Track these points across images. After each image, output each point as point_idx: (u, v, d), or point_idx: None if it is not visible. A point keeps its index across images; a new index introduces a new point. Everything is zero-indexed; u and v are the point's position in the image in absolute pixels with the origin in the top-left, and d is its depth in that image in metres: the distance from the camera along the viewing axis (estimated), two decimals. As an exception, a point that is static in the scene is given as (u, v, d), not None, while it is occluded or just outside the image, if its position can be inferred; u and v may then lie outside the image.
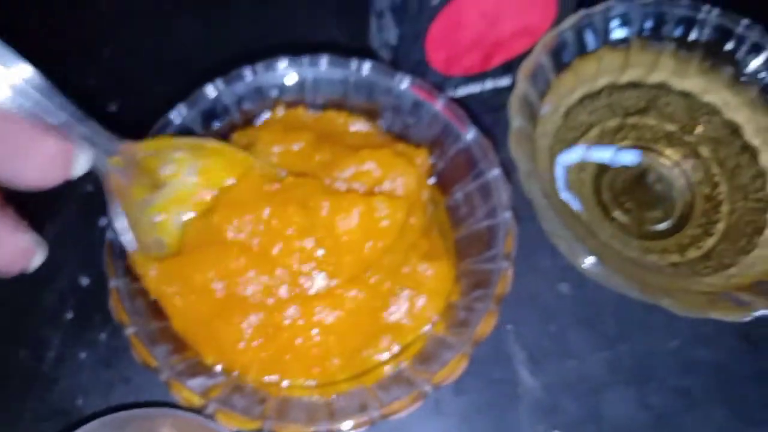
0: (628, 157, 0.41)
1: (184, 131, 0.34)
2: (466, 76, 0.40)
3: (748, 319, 0.32)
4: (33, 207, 0.39)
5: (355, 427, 0.28)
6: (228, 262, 0.30)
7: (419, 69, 0.38)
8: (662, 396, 0.36)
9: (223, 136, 0.36)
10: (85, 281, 0.37)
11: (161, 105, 0.34)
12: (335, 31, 0.46)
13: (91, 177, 0.40)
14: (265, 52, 0.36)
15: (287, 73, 0.36)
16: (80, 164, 0.26)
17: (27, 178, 0.24)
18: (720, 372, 0.37)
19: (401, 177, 0.33)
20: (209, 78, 0.35)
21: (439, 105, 0.35)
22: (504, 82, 0.41)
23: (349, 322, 0.31)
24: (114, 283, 0.30)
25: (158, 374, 0.28)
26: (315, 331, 0.31)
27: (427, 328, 0.33)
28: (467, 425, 0.36)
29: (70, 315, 0.37)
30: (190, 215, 0.32)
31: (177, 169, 0.31)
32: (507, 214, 0.32)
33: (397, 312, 0.32)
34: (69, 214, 0.39)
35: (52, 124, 0.25)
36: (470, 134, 0.34)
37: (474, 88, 0.41)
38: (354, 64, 0.35)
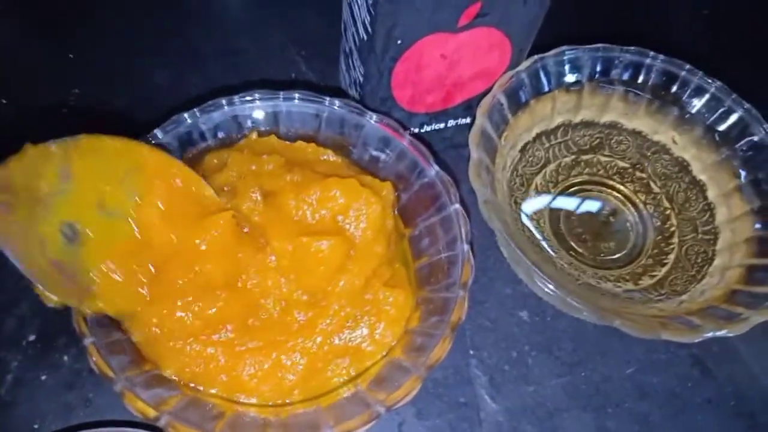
0: (587, 205, 0.43)
1: None
2: (430, 113, 0.42)
3: (698, 340, 0.34)
4: None
5: None
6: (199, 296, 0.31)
7: (385, 105, 0.40)
8: (619, 421, 0.37)
9: (198, 159, 0.37)
10: (49, 304, 0.38)
11: (133, 135, 0.36)
12: (308, 72, 0.49)
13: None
14: (239, 90, 0.38)
15: (262, 105, 0.37)
16: None
17: None
18: (673, 399, 0.38)
19: (365, 206, 0.35)
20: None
21: (405, 141, 0.37)
22: (465, 120, 0.44)
23: (309, 348, 0.32)
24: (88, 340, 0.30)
25: (113, 384, 0.28)
26: (275, 354, 0.32)
27: (384, 352, 0.33)
28: (429, 450, 0.36)
29: (32, 337, 0.37)
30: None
31: (50, 179, 0.28)
32: (465, 246, 0.33)
33: (358, 337, 0.33)
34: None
35: None
36: (433, 170, 0.36)
37: (437, 126, 0.43)
38: (326, 99, 0.37)
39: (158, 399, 0.28)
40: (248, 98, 0.37)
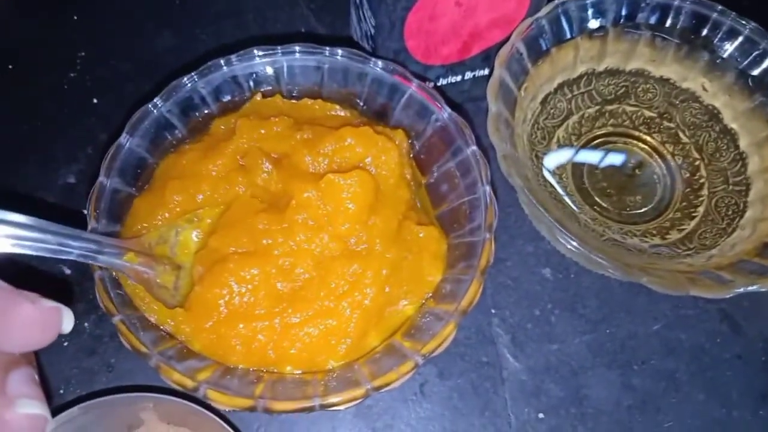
0: (612, 157, 0.42)
1: (163, 122, 0.35)
2: (446, 65, 0.40)
3: (729, 296, 0.32)
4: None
5: (347, 401, 0.28)
6: (235, 272, 0.30)
7: (399, 58, 0.39)
8: (645, 378, 0.36)
9: (203, 126, 0.36)
10: (67, 271, 0.38)
11: (140, 98, 0.35)
12: (318, 26, 0.47)
13: (73, 169, 0.41)
14: (247, 48, 0.36)
15: (262, 62, 0.36)
16: (67, 322, 0.26)
17: (11, 344, 0.23)
18: (701, 355, 0.37)
19: (383, 153, 0.33)
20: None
21: (413, 86, 0.35)
22: (483, 72, 0.42)
23: (361, 302, 0.31)
24: (99, 273, 0.30)
25: (147, 360, 0.28)
26: (324, 321, 0.31)
27: (432, 287, 0.32)
28: (452, 409, 0.35)
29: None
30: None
31: (182, 245, 0.33)
32: (486, 188, 0.32)
33: (405, 281, 0.32)
34: (51, 204, 0.40)
35: (59, 258, 0.27)
36: (446, 113, 0.34)
37: (454, 78, 0.42)
38: (327, 50, 0.36)
39: (193, 370, 0.28)
40: (246, 56, 0.36)
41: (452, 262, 0.33)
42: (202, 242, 0.33)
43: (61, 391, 0.35)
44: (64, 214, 0.39)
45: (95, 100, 0.44)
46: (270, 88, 0.37)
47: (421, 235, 0.33)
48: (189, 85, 0.35)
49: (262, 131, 0.34)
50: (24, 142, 0.42)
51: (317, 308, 0.31)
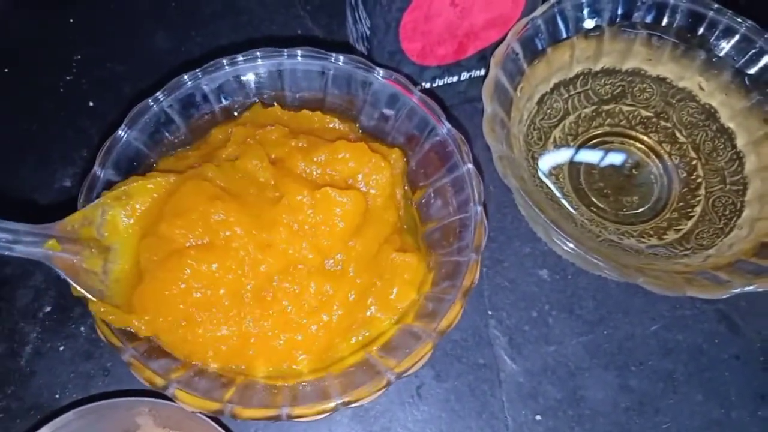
0: (609, 157, 0.41)
1: (163, 118, 0.34)
2: (442, 66, 0.40)
3: (726, 296, 0.32)
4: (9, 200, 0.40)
5: (315, 413, 0.27)
6: (191, 269, 0.29)
7: (395, 59, 0.39)
8: (642, 379, 0.36)
9: (203, 130, 0.36)
10: (62, 275, 0.38)
11: (137, 100, 0.35)
12: (314, 28, 0.47)
13: (69, 172, 0.41)
14: (243, 50, 0.36)
15: (265, 63, 0.36)
16: None
17: None
18: (699, 355, 0.37)
19: (375, 172, 0.33)
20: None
21: (415, 98, 0.35)
22: (480, 72, 0.42)
23: (327, 322, 0.31)
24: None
25: (121, 354, 0.28)
26: (288, 334, 0.31)
27: (396, 317, 0.32)
28: (449, 411, 0.35)
29: (48, 309, 0.37)
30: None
31: (109, 225, 0.31)
32: (478, 208, 0.32)
33: (373, 305, 0.32)
34: (46, 207, 0.40)
35: None
36: (445, 128, 0.34)
37: (450, 79, 0.42)
38: (332, 56, 0.35)
39: (165, 368, 0.28)
40: (250, 57, 0.35)
41: (437, 280, 0.32)
42: (141, 224, 0.31)
43: (57, 396, 0.35)
44: (60, 217, 0.39)
45: (91, 103, 0.43)
46: (273, 92, 0.37)
47: (399, 261, 0.32)
48: (191, 82, 0.35)
49: (257, 137, 0.34)
50: (20, 144, 0.42)
51: (284, 320, 0.30)
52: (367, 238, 0.32)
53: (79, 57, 0.45)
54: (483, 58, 0.41)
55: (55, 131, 0.43)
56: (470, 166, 0.33)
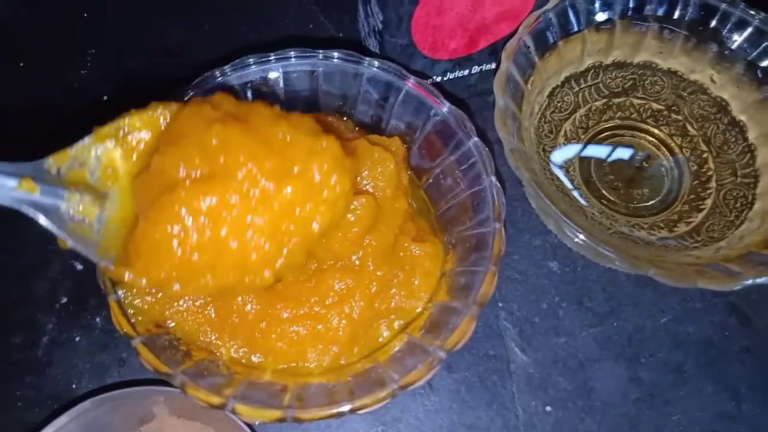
0: (619, 150, 0.41)
1: None
2: (453, 60, 0.40)
3: (737, 288, 0.32)
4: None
5: (375, 402, 0.28)
6: (186, 204, 0.25)
7: (406, 53, 0.39)
8: (652, 371, 0.36)
9: None
10: (79, 266, 0.38)
11: (150, 94, 0.35)
12: (326, 23, 0.47)
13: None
14: (253, 49, 0.36)
15: (257, 70, 0.35)
16: None
17: None
18: (709, 347, 0.37)
19: (378, 164, 0.33)
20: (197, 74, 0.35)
21: (410, 82, 0.35)
22: (491, 66, 0.42)
23: (350, 314, 0.31)
24: (113, 297, 0.29)
25: (171, 380, 0.27)
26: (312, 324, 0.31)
27: (423, 305, 0.33)
28: (460, 402, 0.36)
29: (64, 300, 0.37)
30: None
31: (105, 168, 0.27)
32: (492, 178, 0.32)
33: (396, 296, 0.33)
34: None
35: None
36: (445, 107, 0.34)
37: (461, 73, 0.42)
38: (321, 53, 0.35)
39: (217, 385, 0.28)
40: (241, 65, 0.35)
41: (463, 254, 0.33)
42: (138, 162, 0.27)
43: (74, 386, 0.35)
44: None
45: (105, 97, 0.44)
46: (266, 99, 0.36)
47: (416, 252, 0.33)
48: (185, 98, 0.34)
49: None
50: (35, 139, 0.42)
51: (306, 310, 0.31)
52: (382, 232, 0.33)
53: (93, 51, 0.46)
54: (494, 52, 0.41)
55: (69, 125, 0.43)
56: (476, 139, 0.33)
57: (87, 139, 0.27)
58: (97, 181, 0.27)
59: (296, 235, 0.26)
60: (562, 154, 0.40)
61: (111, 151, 0.27)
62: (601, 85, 0.42)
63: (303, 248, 0.27)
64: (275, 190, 0.26)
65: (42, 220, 0.24)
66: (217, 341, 0.30)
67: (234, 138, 0.26)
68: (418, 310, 0.33)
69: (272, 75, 0.36)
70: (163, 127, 0.27)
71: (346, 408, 0.27)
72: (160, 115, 0.27)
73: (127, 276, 0.26)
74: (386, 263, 0.33)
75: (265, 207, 0.25)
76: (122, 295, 0.29)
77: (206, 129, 0.26)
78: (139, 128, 0.27)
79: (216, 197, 0.25)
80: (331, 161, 0.27)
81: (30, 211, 0.24)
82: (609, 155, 0.41)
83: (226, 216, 0.25)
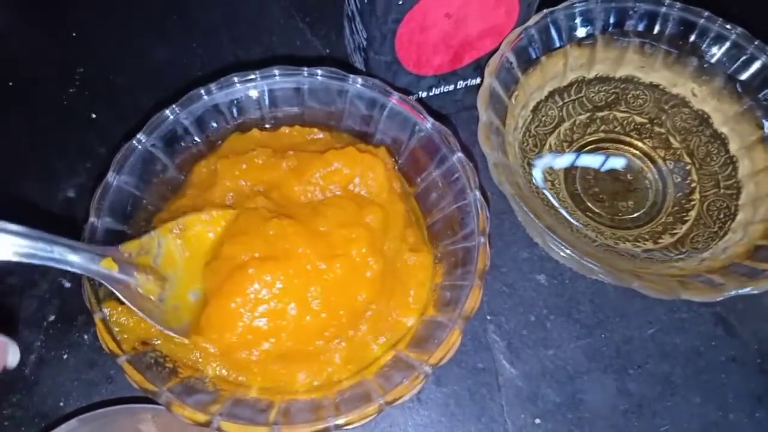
0: (604, 163, 0.42)
1: (149, 157, 0.34)
2: (438, 75, 0.41)
3: (721, 299, 0.33)
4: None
5: (360, 418, 0.28)
6: (257, 279, 0.30)
7: (391, 70, 0.39)
8: (640, 382, 0.37)
9: (188, 168, 0.36)
10: (67, 284, 0.38)
11: (138, 112, 0.35)
12: (313, 40, 0.48)
13: (73, 183, 0.42)
14: (241, 66, 0.37)
15: (242, 88, 0.36)
16: (12, 358, 0.27)
17: None
18: (696, 358, 0.37)
19: (369, 170, 0.34)
20: (186, 91, 0.35)
21: (394, 99, 0.36)
22: (476, 81, 0.42)
23: (350, 336, 0.32)
24: (99, 315, 0.30)
25: (156, 398, 0.28)
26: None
27: (414, 318, 0.33)
28: (449, 416, 0.36)
29: (52, 317, 0.37)
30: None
31: (166, 256, 0.32)
32: (476, 193, 0.33)
33: (394, 309, 0.33)
34: (51, 218, 0.40)
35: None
36: (428, 123, 0.35)
37: (447, 88, 0.42)
38: (306, 71, 0.36)
39: (203, 403, 0.28)
40: (226, 84, 0.35)
41: (449, 268, 0.33)
42: (197, 256, 0.32)
43: (62, 404, 0.35)
44: (64, 227, 0.40)
45: (94, 115, 0.44)
46: (253, 116, 0.37)
47: (411, 261, 0.33)
48: (171, 117, 0.35)
49: (244, 166, 0.34)
50: (24, 156, 0.43)
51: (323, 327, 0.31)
52: (390, 238, 0.33)
53: (81, 70, 0.46)
54: (478, 67, 0.41)
55: (58, 143, 0.43)
56: (460, 155, 0.34)
57: (153, 232, 0.32)
58: (159, 266, 0.31)
59: (344, 308, 0.31)
60: (547, 167, 0.41)
61: (171, 242, 0.32)
62: (584, 99, 0.43)
63: (352, 319, 0.31)
64: (326, 269, 0.31)
65: (120, 295, 0.29)
66: (203, 359, 0.30)
67: (288, 228, 0.31)
68: (409, 324, 0.33)
69: (257, 93, 0.36)
70: (212, 226, 0.33)
71: (332, 424, 0.27)
72: (216, 215, 0.33)
73: (202, 345, 0.30)
74: (391, 274, 0.33)
75: (318, 281, 0.31)
76: (108, 313, 0.29)
77: (264, 223, 0.31)
78: (195, 225, 0.32)
79: (279, 272, 0.30)
80: (367, 246, 0.31)
81: (110, 286, 0.29)
82: (594, 168, 0.42)
83: (286, 288, 0.30)
